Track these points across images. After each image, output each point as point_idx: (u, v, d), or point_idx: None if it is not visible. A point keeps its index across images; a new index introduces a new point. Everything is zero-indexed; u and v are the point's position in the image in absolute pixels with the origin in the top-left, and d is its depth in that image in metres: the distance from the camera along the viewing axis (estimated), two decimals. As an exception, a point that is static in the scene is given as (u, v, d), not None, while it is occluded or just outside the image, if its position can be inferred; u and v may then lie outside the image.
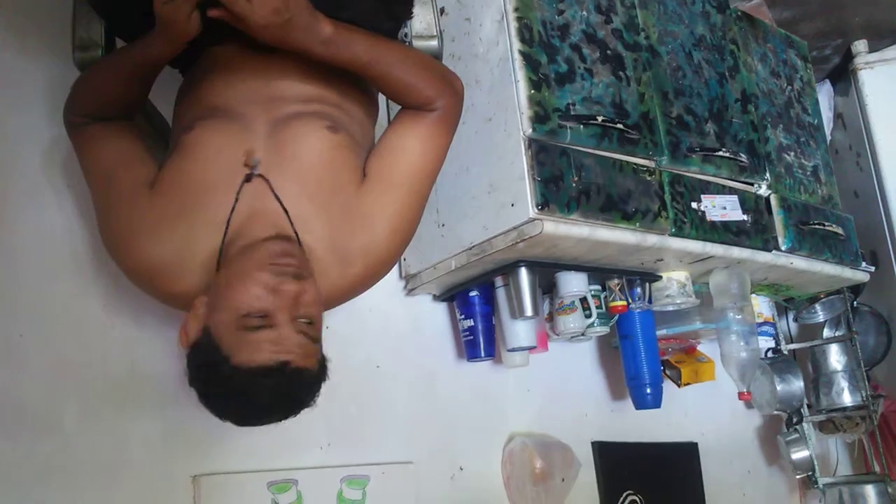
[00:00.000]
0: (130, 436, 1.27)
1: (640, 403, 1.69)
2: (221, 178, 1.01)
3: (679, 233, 1.48)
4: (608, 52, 1.48)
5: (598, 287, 1.64)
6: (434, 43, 1.14)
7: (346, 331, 1.51)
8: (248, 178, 1.00)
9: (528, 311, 1.44)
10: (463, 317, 1.59)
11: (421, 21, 1.13)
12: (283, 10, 0.91)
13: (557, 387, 1.78)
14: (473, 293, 1.58)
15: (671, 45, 1.64)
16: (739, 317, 1.68)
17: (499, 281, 1.55)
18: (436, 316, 1.68)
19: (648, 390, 1.68)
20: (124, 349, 1.31)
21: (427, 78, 1.07)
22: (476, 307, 1.58)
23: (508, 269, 1.46)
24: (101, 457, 1.24)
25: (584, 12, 1.48)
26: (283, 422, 0.96)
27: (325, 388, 1.01)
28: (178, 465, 1.30)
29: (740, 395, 1.74)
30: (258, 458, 1.37)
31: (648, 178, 1.46)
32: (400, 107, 1.13)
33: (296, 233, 1.00)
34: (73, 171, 1.32)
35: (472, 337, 1.58)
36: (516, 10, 1.37)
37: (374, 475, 1.47)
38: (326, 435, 1.45)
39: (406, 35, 1.14)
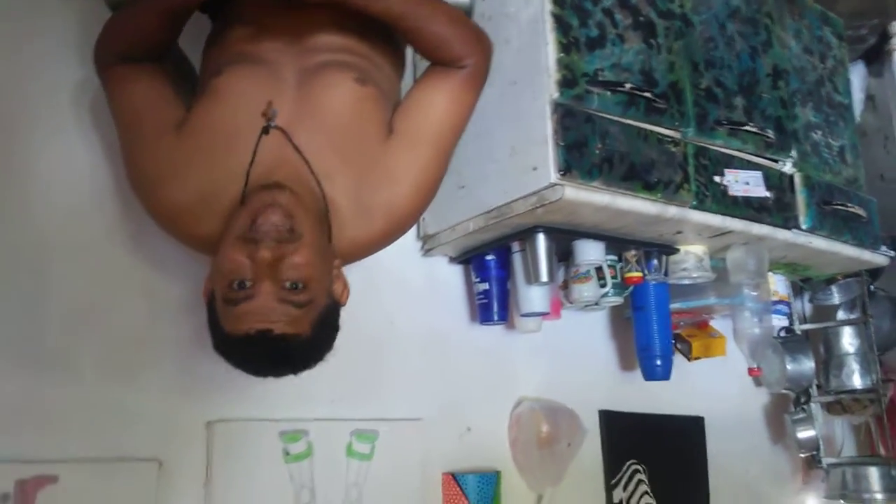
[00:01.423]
0: (147, 380, 1.29)
1: (650, 374, 1.70)
2: (247, 125, 1.01)
3: (700, 206, 1.47)
4: (640, 18, 1.46)
5: (615, 257, 1.64)
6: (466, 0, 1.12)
7: (361, 287, 1.50)
8: (265, 130, 1.00)
9: (544, 277, 1.44)
10: (478, 280, 1.60)
11: (454, -24, 1.11)
12: None
13: (567, 354, 1.79)
14: (490, 257, 1.58)
15: (705, 16, 1.61)
16: (755, 294, 1.68)
17: (515, 246, 1.55)
18: (451, 278, 1.69)
19: (658, 362, 1.68)
20: (145, 294, 1.32)
21: (458, 34, 1.07)
22: (492, 271, 1.58)
23: (526, 235, 1.46)
24: (117, 401, 1.26)
25: (619, -24, 1.45)
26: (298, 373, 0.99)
27: (338, 342, 1.03)
28: (193, 410, 1.32)
29: (750, 370, 1.75)
30: (271, 407, 1.39)
31: (673, 149, 1.44)
32: (428, 64, 1.12)
33: (319, 184, 1.00)
34: (100, 113, 1.32)
35: (486, 300, 1.58)
36: (550, -30, 1.35)
37: (383, 430, 1.49)
38: (338, 388, 1.47)
39: (438, -10, 1.13)
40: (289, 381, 1.09)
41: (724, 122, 1.55)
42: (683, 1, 1.57)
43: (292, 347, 0.91)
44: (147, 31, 1.06)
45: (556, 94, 1.30)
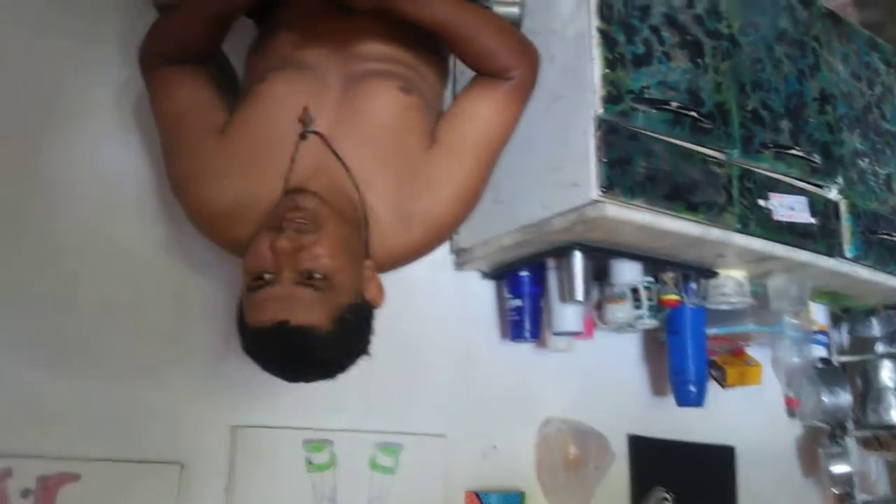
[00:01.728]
0: (174, 382, 1.28)
1: (683, 400, 1.65)
2: (287, 131, 1.01)
3: (744, 229, 1.43)
4: (688, 37, 1.43)
5: (651, 278, 1.60)
6: (515, 10, 1.11)
7: (391, 298, 1.49)
8: (302, 136, 0.99)
9: (579, 296, 1.41)
10: (511, 296, 1.57)
11: (503, -13, 1.10)
12: None
13: (598, 376, 1.75)
14: (523, 273, 1.56)
15: (752, 37, 1.58)
16: (795, 322, 1.63)
17: (550, 263, 1.52)
18: (483, 293, 1.66)
19: (692, 388, 1.64)
20: (175, 294, 1.32)
21: (506, 45, 1.05)
22: (525, 287, 1.56)
23: (562, 252, 1.44)
24: (143, 401, 1.25)
25: (667, -6, 1.43)
26: (323, 381, 0.97)
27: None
28: (219, 414, 1.31)
29: (787, 400, 1.69)
30: (296, 415, 1.37)
31: (717, 171, 1.41)
32: (473, 74, 1.11)
33: (358, 191, 0.99)
34: (142, 114, 1.32)
35: (518, 317, 1.56)
36: (599, -15, 1.33)
37: (408, 444, 1.47)
38: (364, 399, 1.45)
39: (487, 0, 1.11)
40: (315, 390, 1.08)
41: (770, 145, 1.52)
42: (731, 21, 1.54)
43: (311, 341, 0.88)
44: (192, 34, 1.05)
45: (600, 111, 1.28)
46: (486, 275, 1.65)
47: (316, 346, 0.88)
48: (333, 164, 0.99)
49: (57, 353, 1.21)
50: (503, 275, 1.60)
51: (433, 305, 1.58)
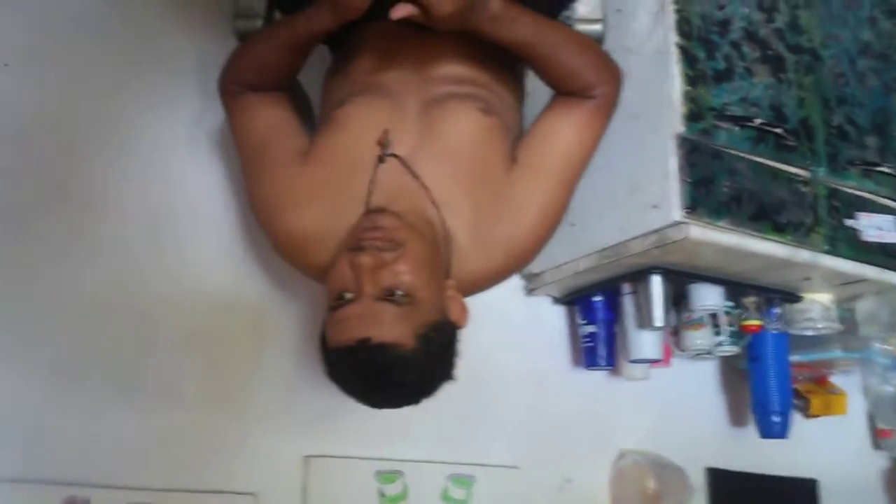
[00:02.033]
0: (249, 411, 1.27)
1: (766, 432, 1.57)
2: (368, 155, 0.99)
3: (832, 251, 1.36)
4: (769, 52, 1.38)
5: (730, 303, 1.53)
6: (598, 27, 1.08)
7: (461, 325, 1.47)
8: (380, 159, 0.98)
9: (658, 322, 1.35)
10: (584, 322, 1.52)
11: (586, 4, 1.07)
12: None
13: (674, 405, 1.68)
14: (597, 298, 1.51)
15: (834, 50, 1.52)
16: (886, 348, 1.54)
17: (626, 287, 1.46)
18: (553, 319, 1.62)
19: (776, 418, 1.56)
20: (250, 324, 1.31)
21: (589, 63, 1.02)
22: (599, 313, 1.50)
23: (639, 276, 1.38)
24: (219, 430, 1.25)
25: (746, 9, 1.38)
26: (407, 405, 0.93)
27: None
28: (291, 445, 1.29)
29: (880, 432, 1.60)
30: (368, 445, 1.34)
31: (803, 189, 1.35)
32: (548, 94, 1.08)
33: (440, 213, 0.97)
34: (220, 143, 1.34)
35: (592, 344, 1.50)
36: (675, 1, 1.29)
37: (481, 476, 1.43)
38: (435, 429, 1.41)
39: (568, 18, 1.09)
40: (386, 419, 1.05)
41: (857, 163, 1.45)
42: (812, 35, 1.48)
43: (394, 359, 0.84)
44: (275, 61, 1.05)
45: (681, 129, 1.23)
46: (557, 300, 1.61)
47: (400, 365, 0.84)
48: (413, 187, 0.97)
49: (132, 383, 1.21)
50: (575, 300, 1.56)
51: (503, 332, 1.54)
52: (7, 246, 1.20)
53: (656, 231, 1.24)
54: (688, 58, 1.27)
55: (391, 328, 0.84)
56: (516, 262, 1.02)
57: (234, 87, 1.08)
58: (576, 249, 1.40)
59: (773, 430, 1.56)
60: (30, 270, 1.20)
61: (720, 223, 1.23)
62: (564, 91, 1.03)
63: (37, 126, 1.27)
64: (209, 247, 1.32)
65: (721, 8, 1.35)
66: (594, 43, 1.05)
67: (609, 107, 1.04)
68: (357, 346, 0.83)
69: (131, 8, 1.36)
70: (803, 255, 1.32)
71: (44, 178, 1.26)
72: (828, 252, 1.35)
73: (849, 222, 1.41)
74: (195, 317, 1.28)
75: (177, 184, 1.32)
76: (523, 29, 0.97)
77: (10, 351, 1.16)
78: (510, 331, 1.55)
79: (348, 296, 0.85)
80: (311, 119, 1.19)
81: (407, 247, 0.88)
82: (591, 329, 1.50)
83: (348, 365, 0.85)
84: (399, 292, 0.85)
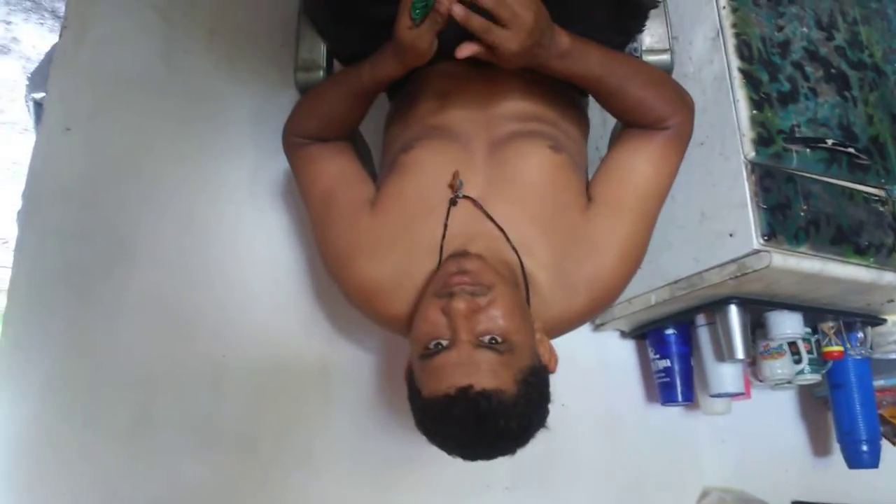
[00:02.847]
0: (322, 463, 1.26)
1: (855, 462, 1.49)
2: (438, 199, 0.97)
3: (916, 271, 1.31)
4: (832, 70, 1.35)
5: (808, 329, 1.48)
6: (666, 57, 1.06)
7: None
8: (453, 202, 0.95)
9: (740, 354, 1.30)
10: (658, 356, 1.48)
11: (652, 34, 1.05)
12: (535, 31, 0.84)
13: (755, 438, 1.61)
14: (670, 331, 1.46)
15: (896, 64, 1.48)
16: (977, 369, 1.47)
17: (700, 319, 1.42)
18: (624, 354, 1.57)
19: (865, 447, 1.48)
20: (320, 374, 1.29)
21: (661, 95, 0.99)
22: (672, 346, 1.46)
23: (715, 307, 1.34)
24: (292, 483, 1.23)
25: (805, 28, 1.35)
26: (504, 455, 0.89)
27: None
28: (368, 497, 1.26)
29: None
30: (445, 496, 1.31)
31: (881, 209, 1.30)
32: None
33: (518, 257, 0.94)
34: (277, 195, 1.34)
35: (667, 379, 1.46)
36: (734, 25, 1.27)
37: (562, 523, 1.38)
38: (512, 475, 1.38)
39: (636, 49, 1.07)
40: (462, 470, 1.01)
41: (932, 177, 1.39)
42: (873, 50, 1.45)
43: (498, 407, 0.80)
44: (339, 111, 1.04)
45: (751, 154, 1.20)
46: (626, 334, 1.57)
47: (503, 413, 0.80)
48: (489, 229, 0.95)
49: (209, 436, 1.20)
50: (646, 334, 1.51)
51: (573, 371, 1.47)
52: (75, 307, 1.21)
53: (735, 260, 1.20)
54: (751, 81, 1.24)
55: (493, 376, 0.80)
56: (600, 302, 0.98)
57: (298, 138, 1.07)
58: (646, 282, 1.37)
59: (862, 459, 1.48)
60: (97, 331, 1.21)
61: (800, 249, 1.19)
62: (637, 124, 1.00)
63: (99, 188, 1.29)
64: (274, 299, 1.31)
65: (780, 29, 1.32)
66: (664, 73, 1.03)
67: (684, 137, 1.01)
68: (458, 395, 0.79)
69: (185, 67, 1.38)
70: (888, 277, 1.27)
71: (107, 238, 1.27)
72: (912, 272, 1.30)
73: (930, 239, 1.35)
74: (264, 370, 1.27)
75: (239, 238, 1.32)
76: (592, 63, 0.95)
77: (88, 412, 1.16)
78: (580, 369, 1.51)
79: (444, 342, 0.82)
80: (372, 166, 1.18)
81: (496, 290, 0.85)
82: (665, 363, 1.46)
83: (448, 414, 0.81)
84: (498, 338, 0.83)
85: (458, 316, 0.82)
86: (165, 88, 1.36)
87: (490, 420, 0.80)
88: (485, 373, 0.80)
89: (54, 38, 1.31)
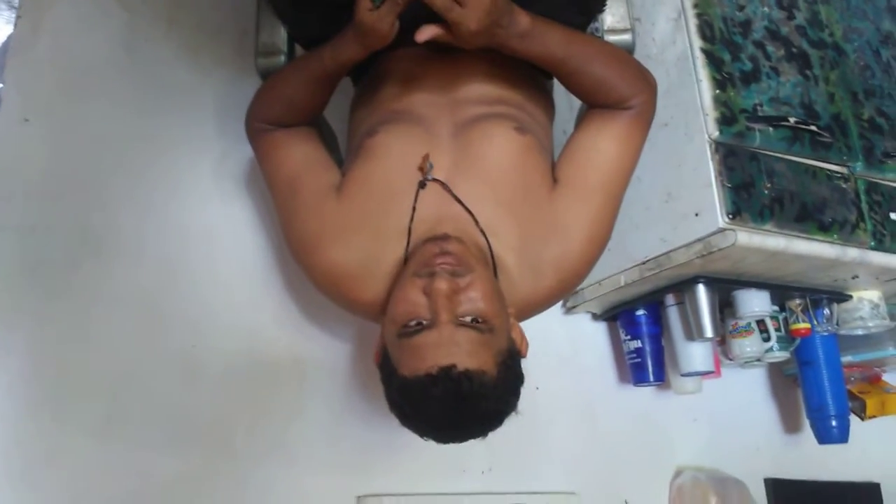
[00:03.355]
0: (298, 452, 1.24)
1: (825, 437, 1.52)
2: (404, 182, 0.96)
3: (879, 246, 1.32)
4: (793, 49, 1.36)
5: (776, 307, 1.50)
6: (628, 37, 1.06)
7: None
8: (422, 185, 0.95)
9: (708, 332, 1.32)
10: (629, 337, 1.49)
11: (613, 14, 1.05)
12: (493, 10, 0.84)
13: (727, 417, 1.63)
14: (640, 312, 1.48)
15: (857, 43, 1.50)
16: (942, 342, 1.50)
17: (670, 299, 1.43)
18: (595, 336, 1.58)
19: (834, 423, 1.51)
20: (293, 363, 1.28)
21: (623, 74, 0.99)
22: (643, 327, 1.47)
23: (684, 287, 1.35)
24: (268, 473, 1.21)
25: (766, 8, 1.37)
26: (477, 438, 0.89)
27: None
28: (343, 485, 1.26)
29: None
30: (422, 481, 1.31)
31: (843, 186, 1.32)
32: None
33: (486, 238, 0.94)
34: (243, 183, 1.32)
35: (639, 359, 1.47)
36: (695, 6, 1.28)
37: (539, 505, 1.38)
38: (488, 459, 1.38)
39: (597, 30, 1.07)
40: (438, 453, 1.02)
41: (893, 154, 1.41)
42: (833, 29, 1.46)
43: (479, 388, 0.80)
44: (302, 96, 1.03)
45: (715, 133, 1.21)
46: (597, 316, 1.58)
47: (484, 393, 0.80)
48: (456, 212, 0.94)
49: (181, 430, 1.19)
50: (617, 315, 1.52)
51: (545, 354, 1.51)
52: (41, 302, 1.18)
53: (701, 239, 1.21)
54: (713, 61, 1.25)
55: (475, 356, 0.80)
56: (568, 284, 0.99)
57: (261, 124, 1.06)
58: (615, 264, 1.38)
59: (832, 434, 1.51)
60: (64, 326, 1.19)
61: (765, 227, 1.20)
62: (599, 104, 1.01)
63: (60, 180, 1.26)
64: (244, 288, 1.30)
65: (741, 9, 1.34)
66: (625, 53, 1.03)
67: (647, 116, 1.01)
68: (441, 374, 0.78)
69: (146, 55, 1.35)
70: (852, 253, 1.29)
71: (71, 231, 1.24)
72: (874, 248, 1.32)
73: (893, 216, 1.38)
74: (236, 360, 1.25)
75: (206, 228, 1.30)
76: (553, 44, 0.95)
77: (56, 409, 1.14)
78: (552, 353, 1.52)
79: (424, 322, 0.82)
80: (338, 152, 1.17)
81: (476, 272, 0.85)
82: (636, 344, 1.47)
83: (428, 393, 0.79)
84: (478, 318, 0.82)
85: (440, 296, 0.81)
86: (126, 77, 1.34)
87: (470, 400, 0.80)
88: (467, 353, 0.80)
89: (9, 29, 1.27)
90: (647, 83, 1.01)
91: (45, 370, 1.16)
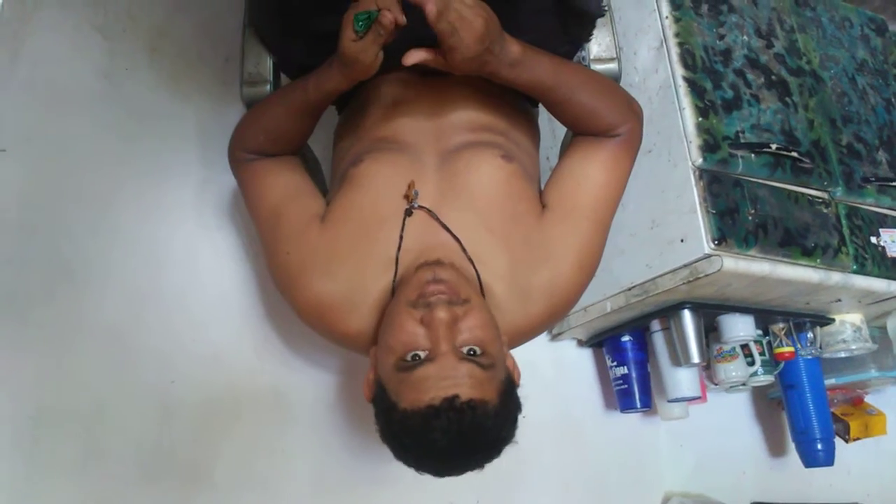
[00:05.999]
0: (279, 486, 1.21)
1: (811, 461, 1.52)
2: (390, 211, 0.95)
3: (861, 270, 1.34)
4: (773, 77, 1.38)
5: (759, 331, 1.50)
6: (614, 65, 1.07)
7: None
8: (408, 212, 0.94)
9: (695, 358, 1.32)
10: (615, 364, 1.48)
11: (599, 43, 1.06)
12: (486, 37, 0.84)
13: (713, 442, 1.63)
14: (626, 338, 1.47)
15: (833, 70, 1.53)
16: (923, 364, 1.51)
17: (655, 325, 1.43)
18: (581, 363, 1.58)
19: (820, 446, 1.51)
20: (274, 396, 1.26)
21: (610, 103, 1.00)
22: (629, 353, 1.47)
23: (670, 312, 1.35)
24: (250, 509, 1.19)
25: (745, 37, 1.39)
26: (474, 470, 0.87)
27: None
28: (328, 519, 1.23)
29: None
30: (407, 513, 1.28)
31: (825, 211, 1.33)
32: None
33: (474, 266, 0.93)
34: (224, 212, 1.31)
35: (625, 386, 1.46)
36: (677, 35, 1.30)
37: (527, 534, 1.37)
38: (476, 489, 1.36)
39: (583, 59, 1.07)
40: (425, 486, 1.00)
41: (872, 179, 1.44)
42: (811, 57, 1.49)
43: (482, 420, 0.78)
44: (286, 125, 1.02)
45: (699, 160, 1.22)
46: (583, 343, 1.57)
47: (488, 425, 0.79)
48: (444, 240, 0.93)
49: (161, 464, 1.15)
50: (602, 342, 1.52)
51: (531, 381, 1.44)
52: (14, 334, 1.15)
53: (687, 265, 1.21)
54: (695, 89, 1.27)
55: (478, 386, 0.79)
56: (558, 310, 0.98)
57: (244, 154, 1.05)
58: (601, 290, 1.38)
59: (818, 458, 1.52)
60: (40, 359, 1.15)
61: (750, 252, 1.21)
62: (587, 132, 1.01)
63: (37, 210, 1.23)
64: (225, 322, 1.27)
65: (721, 38, 1.35)
66: (612, 82, 1.04)
67: (635, 143, 1.02)
68: (444, 405, 0.77)
69: (125, 84, 1.33)
70: (835, 277, 1.30)
71: (48, 262, 1.21)
72: (856, 272, 1.34)
73: (873, 240, 1.40)
74: (216, 395, 1.23)
75: (187, 258, 1.28)
76: (542, 72, 0.95)
77: (31, 446, 1.10)
78: (538, 379, 1.51)
79: (423, 354, 0.80)
80: (322, 180, 1.16)
81: (472, 301, 0.84)
82: (622, 371, 1.46)
83: (430, 426, 0.77)
84: (477, 349, 0.81)
85: (440, 326, 0.80)
86: (106, 106, 1.32)
87: (474, 431, 0.78)
88: (470, 384, 0.78)
89: (-13, 57, 1.25)
90: (633, 111, 1.02)
91: (18, 405, 1.13)
